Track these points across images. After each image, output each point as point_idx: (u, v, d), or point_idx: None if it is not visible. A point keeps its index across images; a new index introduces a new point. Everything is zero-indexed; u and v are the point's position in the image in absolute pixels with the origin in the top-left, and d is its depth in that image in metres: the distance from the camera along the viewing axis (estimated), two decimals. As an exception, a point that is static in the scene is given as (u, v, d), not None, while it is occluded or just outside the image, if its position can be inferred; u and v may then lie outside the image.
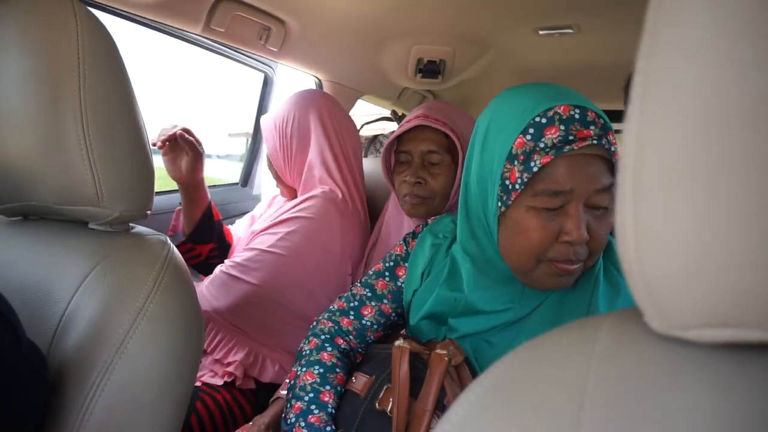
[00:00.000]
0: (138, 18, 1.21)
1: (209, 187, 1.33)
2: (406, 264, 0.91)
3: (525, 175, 0.66)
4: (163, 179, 1.16)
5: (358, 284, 0.95)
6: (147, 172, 0.66)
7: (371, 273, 0.95)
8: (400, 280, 0.91)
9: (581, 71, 1.69)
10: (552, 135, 0.65)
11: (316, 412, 0.80)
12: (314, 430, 0.78)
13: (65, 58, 0.58)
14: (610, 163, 0.67)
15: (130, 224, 0.69)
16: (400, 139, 1.18)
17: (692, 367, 0.25)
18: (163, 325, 0.60)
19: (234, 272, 1.20)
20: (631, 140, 0.26)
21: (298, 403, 0.82)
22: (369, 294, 0.92)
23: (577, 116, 0.65)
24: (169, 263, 0.63)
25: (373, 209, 1.46)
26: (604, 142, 0.66)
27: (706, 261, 0.23)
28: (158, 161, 0.82)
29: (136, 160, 0.64)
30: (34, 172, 0.59)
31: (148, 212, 0.67)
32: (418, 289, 0.88)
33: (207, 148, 1.26)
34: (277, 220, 1.26)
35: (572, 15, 1.28)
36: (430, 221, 0.96)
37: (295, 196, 1.35)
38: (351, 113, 1.85)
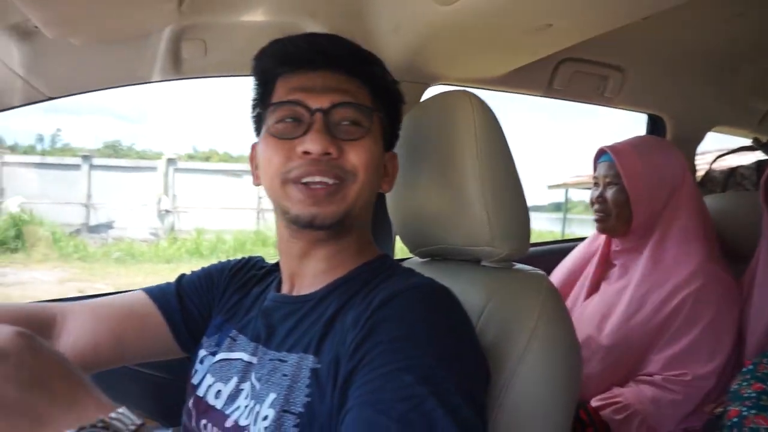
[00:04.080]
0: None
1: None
2: None
3: None
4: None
5: None
6: (525, 218, 0.80)
7: None
8: None
9: None
10: None
11: None
12: None
13: (465, 135, 0.77)
14: None
15: (512, 263, 0.83)
16: None
17: None
18: (547, 351, 0.70)
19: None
20: None
21: None
22: None
23: None
24: (549, 294, 0.74)
25: (735, 251, 1.31)
26: None
27: None
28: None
29: (518, 208, 0.79)
30: (446, 221, 0.80)
31: (527, 251, 0.81)
32: None
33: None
34: (664, 312, 1.18)
35: None
36: None
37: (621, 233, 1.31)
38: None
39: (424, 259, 0.95)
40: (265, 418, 0.63)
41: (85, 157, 11.09)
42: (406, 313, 0.59)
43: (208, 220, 10.54)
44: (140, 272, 7.77)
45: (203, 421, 0.71)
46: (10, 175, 10.73)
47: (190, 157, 13.08)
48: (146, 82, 1.08)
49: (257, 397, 0.66)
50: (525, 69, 1.30)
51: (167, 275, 0.94)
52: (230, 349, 0.76)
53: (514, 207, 0.78)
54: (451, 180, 0.78)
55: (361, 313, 0.62)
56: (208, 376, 0.75)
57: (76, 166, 10.92)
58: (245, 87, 0.78)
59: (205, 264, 0.90)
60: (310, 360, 0.64)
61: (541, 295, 0.73)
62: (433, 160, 0.80)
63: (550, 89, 1.38)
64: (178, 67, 1.08)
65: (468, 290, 0.78)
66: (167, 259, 8.84)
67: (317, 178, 0.66)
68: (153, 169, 11.50)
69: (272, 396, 0.65)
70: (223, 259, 0.91)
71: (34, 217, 9.21)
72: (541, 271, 0.79)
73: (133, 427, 0.38)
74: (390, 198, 0.90)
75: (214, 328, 0.81)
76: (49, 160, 11.63)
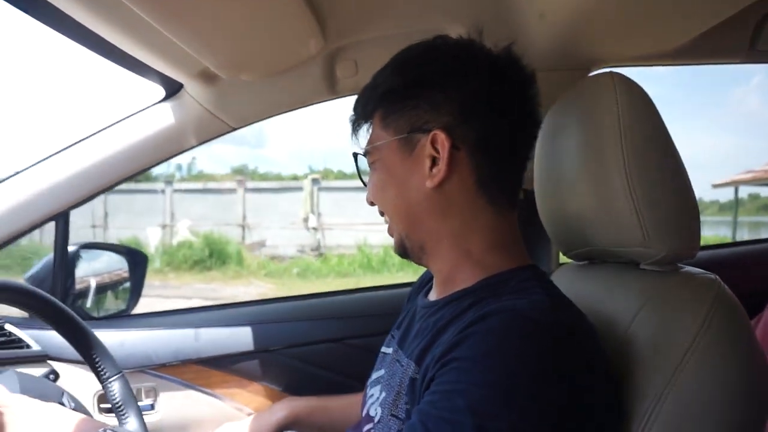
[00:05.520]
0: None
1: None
2: None
3: None
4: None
5: None
6: (691, 213, 0.68)
7: None
8: None
9: None
10: None
11: None
12: None
13: (606, 122, 0.68)
14: None
15: (679, 264, 0.71)
16: None
17: None
18: (713, 365, 0.59)
19: None
20: None
21: None
22: None
23: None
24: (720, 302, 0.62)
25: None
26: None
27: None
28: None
29: (679, 203, 0.67)
30: (593, 220, 0.72)
31: (696, 251, 0.68)
32: None
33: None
34: None
35: None
36: None
37: None
38: None
39: (582, 262, 0.87)
40: (376, 411, 0.67)
41: (239, 182, 12.25)
42: (489, 336, 0.56)
43: (351, 236, 10.88)
44: (324, 285, 8.30)
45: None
46: (177, 201, 12.28)
47: (325, 176, 13.70)
48: (308, 105, 1.20)
49: (382, 392, 0.71)
50: (714, 31, 1.10)
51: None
52: (387, 345, 0.83)
53: (674, 201, 0.67)
54: (594, 174, 0.70)
55: (458, 327, 0.60)
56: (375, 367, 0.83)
57: (232, 190, 12.14)
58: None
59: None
60: (411, 368, 0.65)
61: (707, 302, 0.61)
62: (574, 153, 0.73)
63: (752, 52, 1.14)
64: (333, 88, 1.17)
65: (619, 295, 0.70)
66: (342, 273, 9.36)
67: None
68: (298, 189, 12.29)
69: (384, 395, 0.68)
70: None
71: (222, 237, 10.31)
72: (712, 275, 0.66)
73: None
74: (537, 197, 0.85)
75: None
76: (210, 185, 13.10)
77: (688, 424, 0.58)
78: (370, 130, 0.76)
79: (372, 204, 0.77)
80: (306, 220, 11.72)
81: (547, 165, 0.79)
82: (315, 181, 12.32)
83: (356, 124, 0.78)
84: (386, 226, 0.77)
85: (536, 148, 0.81)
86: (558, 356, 0.55)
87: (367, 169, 0.79)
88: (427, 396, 0.56)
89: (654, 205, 0.66)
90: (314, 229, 11.63)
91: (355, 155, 0.78)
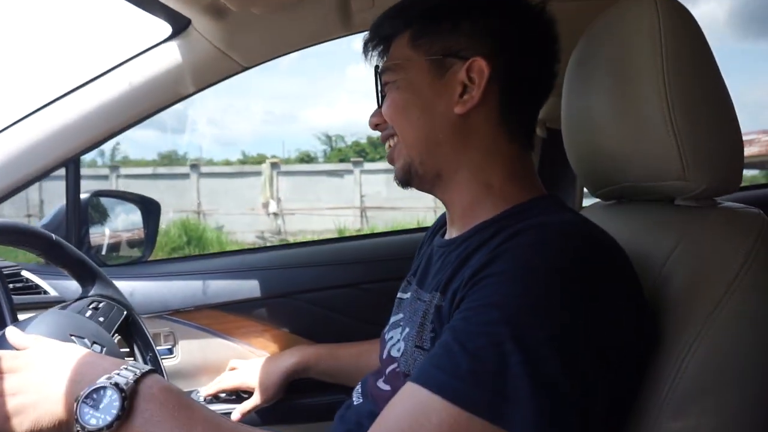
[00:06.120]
0: None
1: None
2: None
3: None
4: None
5: None
6: (735, 146, 0.64)
7: None
8: None
9: None
10: None
11: None
12: None
13: (646, 47, 0.63)
14: None
15: (718, 199, 0.67)
16: None
17: None
18: (756, 300, 0.56)
19: None
20: None
21: None
22: None
23: None
24: (764, 237, 0.58)
25: None
26: None
27: None
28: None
29: (722, 134, 0.63)
30: (626, 155, 0.68)
31: (738, 186, 0.65)
32: None
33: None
34: None
35: None
36: None
37: None
38: None
39: (609, 202, 0.84)
40: (399, 349, 0.67)
41: (193, 166, 11.64)
42: (522, 249, 0.55)
43: (314, 221, 10.46)
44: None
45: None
46: (127, 187, 11.12)
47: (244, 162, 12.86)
48: (321, 41, 1.14)
49: (403, 331, 0.71)
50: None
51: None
52: (404, 291, 0.82)
53: (716, 130, 0.63)
54: (630, 103, 0.66)
55: (487, 249, 0.59)
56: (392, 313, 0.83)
57: (185, 175, 11.51)
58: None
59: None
60: (437, 297, 0.65)
61: (750, 237, 0.58)
62: (608, 84, 0.69)
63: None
64: (348, 22, 1.11)
65: (654, 233, 0.67)
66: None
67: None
68: (255, 174, 11.67)
69: (407, 330, 0.68)
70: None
71: (199, 223, 9.85)
72: (755, 209, 0.62)
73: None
74: (565, 135, 0.80)
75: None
76: (161, 170, 12.31)
77: (727, 363, 0.56)
78: (392, 48, 0.74)
79: (376, 126, 0.75)
80: (266, 205, 11.27)
81: (576, 101, 0.75)
82: (274, 165, 11.81)
83: (380, 39, 0.75)
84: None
85: (564, 85, 0.77)
86: (594, 269, 0.55)
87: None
88: (458, 314, 0.55)
89: (696, 137, 0.62)
90: (275, 214, 11.17)
91: (377, 69, 0.74)
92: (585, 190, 1.21)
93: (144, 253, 1.50)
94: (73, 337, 0.77)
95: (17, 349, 0.65)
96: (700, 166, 0.62)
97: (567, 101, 0.77)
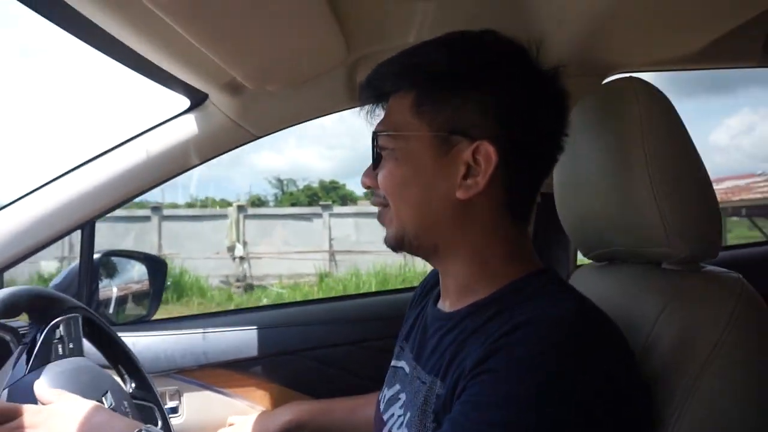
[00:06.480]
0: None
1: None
2: None
3: None
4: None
5: None
6: (712, 215, 0.70)
7: None
8: None
9: None
10: None
11: None
12: None
13: (629, 126, 0.70)
14: None
15: (702, 264, 0.72)
16: None
17: None
18: (739, 362, 0.60)
19: None
20: None
21: None
22: None
23: None
24: (745, 300, 0.63)
25: None
26: None
27: None
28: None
29: (702, 204, 0.69)
30: (615, 222, 0.74)
31: (718, 252, 0.70)
32: None
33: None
34: None
35: None
36: None
37: None
38: None
39: (601, 263, 0.89)
40: None
41: (155, 209, 11.03)
42: (522, 347, 0.55)
43: (281, 266, 10.05)
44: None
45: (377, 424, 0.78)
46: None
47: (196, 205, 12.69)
48: (330, 113, 1.22)
49: (405, 412, 0.69)
50: (729, 36, 1.11)
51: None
52: (398, 358, 0.81)
53: (696, 202, 0.69)
54: (617, 177, 0.72)
55: (488, 338, 0.58)
56: (386, 381, 0.82)
57: (146, 218, 10.95)
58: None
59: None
60: (437, 385, 0.64)
61: (731, 301, 0.63)
62: (596, 156, 0.75)
63: (766, 56, 1.15)
64: (355, 96, 1.19)
65: (642, 295, 0.72)
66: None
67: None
68: (220, 216, 11.36)
69: (409, 415, 0.67)
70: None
71: (175, 267, 9.04)
72: (735, 274, 0.68)
73: None
74: (557, 199, 0.87)
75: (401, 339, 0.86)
76: (118, 213, 11.93)
77: (717, 423, 0.60)
78: (389, 107, 0.69)
79: (368, 188, 0.71)
80: (232, 249, 10.77)
81: (568, 169, 0.81)
82: (241, 208, 11.45)
83: (378, 96, 0.70)
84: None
85: None
86: (594, 362, 0.55)
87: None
88: (458, 406, 0.56)
89: (677, 206, 0.67)
90: (241, 258, 10.65)
91: (375, 135, 0.68)
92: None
93: (149, 312, 1.53)
94: (94, 393, 0.79)
95: (42, 403, 0.68)
96: (682, 235, 0.67)
97: (559, 168, 0.82)
